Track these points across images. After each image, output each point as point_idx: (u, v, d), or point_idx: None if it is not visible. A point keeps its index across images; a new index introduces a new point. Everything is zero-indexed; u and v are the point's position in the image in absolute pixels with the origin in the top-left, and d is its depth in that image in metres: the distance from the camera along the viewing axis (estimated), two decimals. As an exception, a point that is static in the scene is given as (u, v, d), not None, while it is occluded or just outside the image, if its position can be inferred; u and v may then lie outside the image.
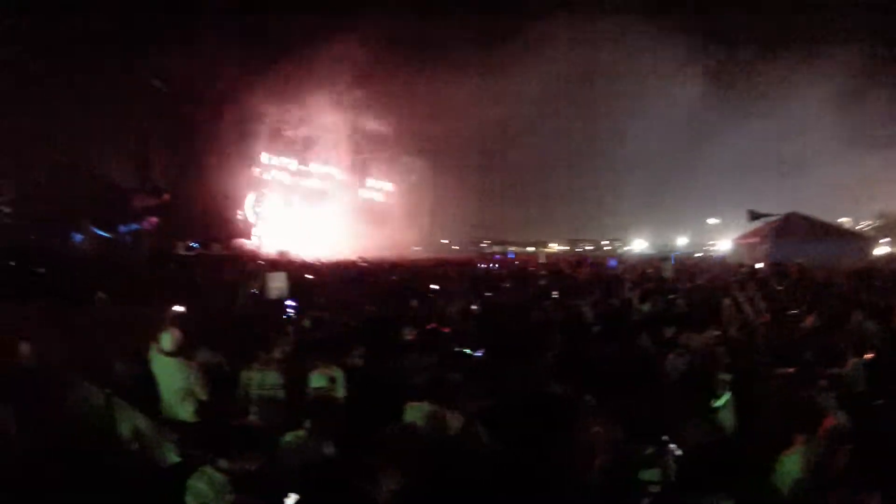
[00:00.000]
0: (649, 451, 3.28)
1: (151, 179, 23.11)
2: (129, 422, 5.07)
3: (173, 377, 5.01)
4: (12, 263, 13.81)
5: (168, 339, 5.06)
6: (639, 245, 64.31)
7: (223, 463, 2.78)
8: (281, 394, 4.92)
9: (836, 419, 3.46)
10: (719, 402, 4.22)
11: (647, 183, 54.86)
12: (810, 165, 43.36)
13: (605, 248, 65.95)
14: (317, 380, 4.57)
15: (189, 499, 2.74)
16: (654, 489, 3.13)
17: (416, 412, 3.79)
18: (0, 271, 13.07)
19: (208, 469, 2.78)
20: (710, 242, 46.25)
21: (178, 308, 5.94)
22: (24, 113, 19.98)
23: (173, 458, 4.39)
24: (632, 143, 51.02)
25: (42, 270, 16.22)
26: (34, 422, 4.90)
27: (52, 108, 21.26)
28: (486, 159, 43.99)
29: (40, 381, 5.90)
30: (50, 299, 14.46)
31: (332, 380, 4.61)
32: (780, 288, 10.12)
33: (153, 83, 25.21)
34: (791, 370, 4.39)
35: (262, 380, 4.96)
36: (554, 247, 63.61)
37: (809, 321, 6.88)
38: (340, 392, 4.65)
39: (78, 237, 18.32)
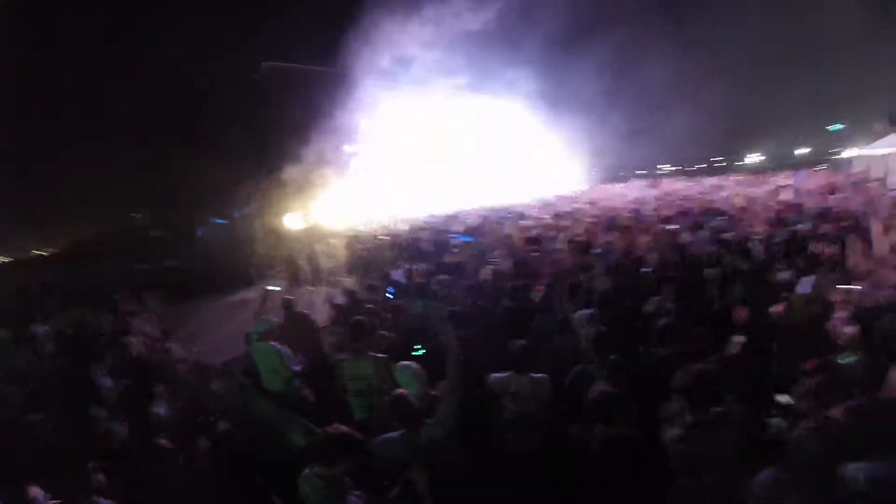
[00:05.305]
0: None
1: (262, 160, 24.37)
2: (260, 407, 5.64)
3: (266, 358, 5.79)
4: (146, 266, 15.21)
5: (259, 327, 5.84)
6: (754, 159, 59.25)
7: (319, 469, 3.07)
8: (374, 385, 4.79)
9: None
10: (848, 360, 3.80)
11: (758, 85, 49.04)
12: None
13: (715, 167, 60.98)
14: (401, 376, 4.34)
15: (301, 495, 3.12)
16: None
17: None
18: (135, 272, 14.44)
19: (309, 474, 3.10)
20: (834, 150, 41.12)
21: (272, 287, 6.40)
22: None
23: (301, 441, 4.80)
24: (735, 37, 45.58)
25: (174, 263, 17.97)
26: (183, 406, 5.64)
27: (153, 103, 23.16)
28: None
29: (187, 373, 6.72)
30: (185, 293, 16.27)
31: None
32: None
33: (253, 76, 26.72)
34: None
35: (355, 370, 4.90)
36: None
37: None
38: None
39: (199, 230, 19.92)
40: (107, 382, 5.90)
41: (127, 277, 14.01)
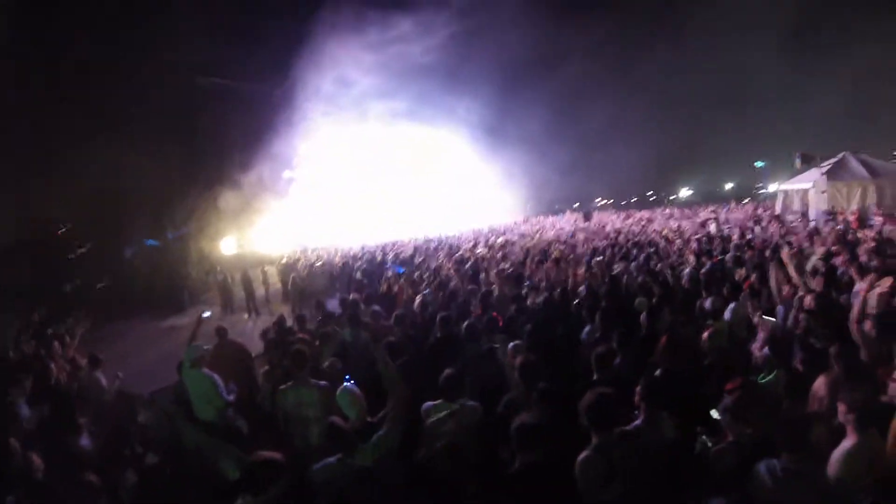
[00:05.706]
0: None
1: (197, 182, 23.63)
2: (191, 437, 5.43)
3: (197, 385, 5.64)
4: (68, 288, 14.47)
5: (191, 353, 5.65)
6: (684, 193, 62.37)
7: (248, 498, 3.03)
8: (316, 413, 4.68)
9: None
10: (767, 378, 4.09)
11: (689, 125, 51.84)
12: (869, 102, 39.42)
13: (650, 200, 63.61)
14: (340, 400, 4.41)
15: None
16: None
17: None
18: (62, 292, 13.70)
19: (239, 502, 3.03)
20: (759, 185, 43.99)
21: (205, 314, 6.25)
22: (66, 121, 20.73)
23: (233, 471, 4.64)
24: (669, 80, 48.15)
25: (102, 285, 17.16)
26: (108, 438, 5.36)
27: (90, 116, 21.96)
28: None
29: (112, 401, 6.39)
30: (112, 316, 15.49)
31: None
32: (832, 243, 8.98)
33: (199, 81, 26.00)
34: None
35: (297, 397, 4.80)
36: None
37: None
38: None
39: (129, 250, 19.07)
40: (24, 411, 5.54)
41: (48, 297, 13.31)
